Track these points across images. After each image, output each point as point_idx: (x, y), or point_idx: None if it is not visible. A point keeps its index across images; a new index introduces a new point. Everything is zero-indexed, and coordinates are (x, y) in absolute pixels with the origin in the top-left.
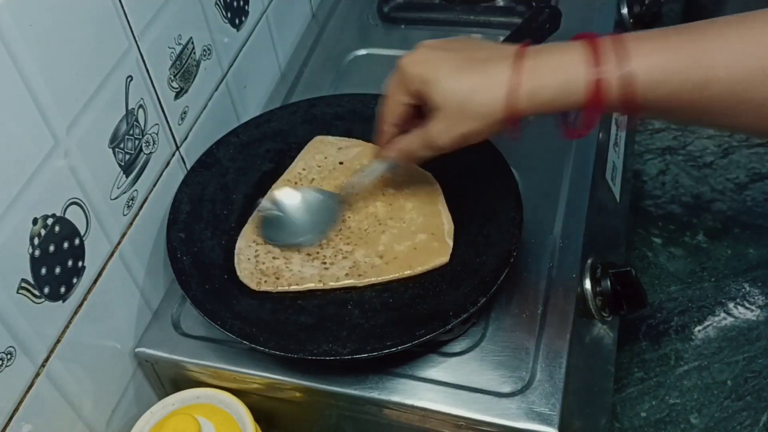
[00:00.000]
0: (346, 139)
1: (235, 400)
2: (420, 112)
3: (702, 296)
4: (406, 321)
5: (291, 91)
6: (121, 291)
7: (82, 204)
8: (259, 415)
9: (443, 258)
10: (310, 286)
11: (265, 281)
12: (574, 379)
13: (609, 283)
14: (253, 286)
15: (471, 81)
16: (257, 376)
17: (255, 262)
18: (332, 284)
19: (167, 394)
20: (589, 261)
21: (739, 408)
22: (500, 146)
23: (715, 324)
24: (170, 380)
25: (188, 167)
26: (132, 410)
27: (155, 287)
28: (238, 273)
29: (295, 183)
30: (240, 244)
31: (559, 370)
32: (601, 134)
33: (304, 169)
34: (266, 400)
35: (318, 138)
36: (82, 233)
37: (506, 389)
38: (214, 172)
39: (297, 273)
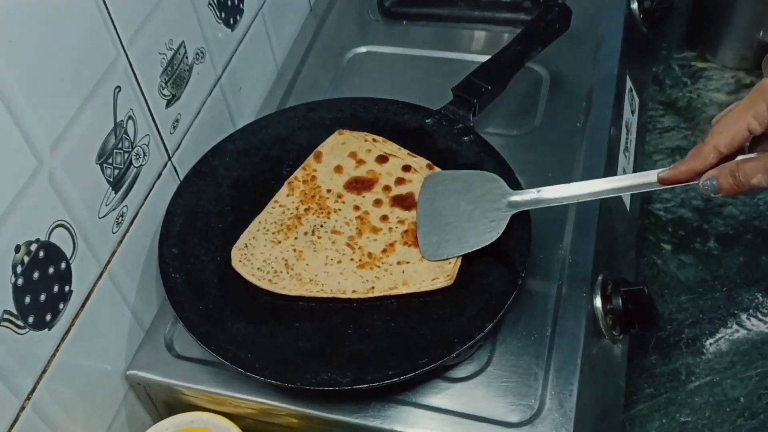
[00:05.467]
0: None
1: (231, 425)
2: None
3: (713, 307)
4: (408, 347)
5: (288, 91)
6: (111, 312)
7: (69, 226)
8: None
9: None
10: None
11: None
12: (584, 405)
13: (620, 301)
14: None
15: None
16: (254, 402)
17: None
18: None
19: (161, 416)
20: (599, 278)
21: (753, 427)
22: (506, 154)
23: (727, 337)
24: (164, 403)
25: (181, 177)
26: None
27: (147, 304)
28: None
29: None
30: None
31: (570, 398)
32: (611, 137)
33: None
34: (263, 424)
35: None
36: (68, 256)
37: (514, 418)
38: (209, 182)
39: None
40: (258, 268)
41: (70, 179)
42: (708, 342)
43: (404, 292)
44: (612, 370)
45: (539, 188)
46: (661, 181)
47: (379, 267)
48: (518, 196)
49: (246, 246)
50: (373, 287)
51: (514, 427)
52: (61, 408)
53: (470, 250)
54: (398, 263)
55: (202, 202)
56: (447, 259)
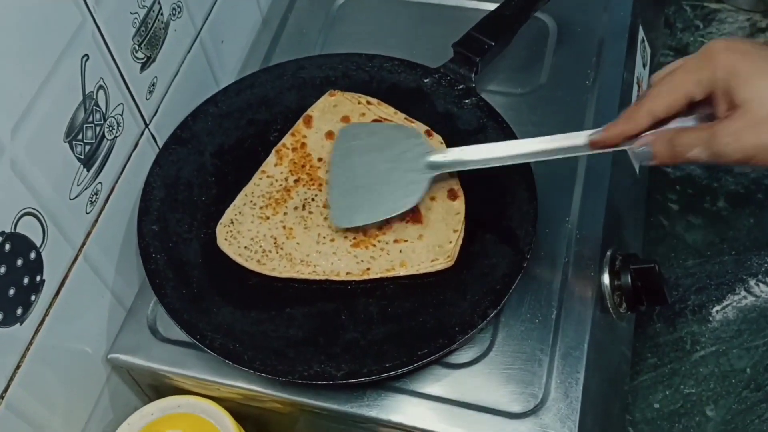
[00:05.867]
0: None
1: (220, 411)
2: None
3: (721, 272)
4: (406, 336)
5: (274, 43)
6: (89, 296)
7: (37, 213)
8: (246, 419)
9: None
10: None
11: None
12: (591, 392)
13: (629, 278)
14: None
15: None
16: (242, 389)
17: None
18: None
19: (147, 396)
20: (608, 253)
21: (758, 399)
22: (509, 115)
23: (734, 304)
24: (148, 386)
25: (160, 146)
26: (108, 416)
27: (128, 282)
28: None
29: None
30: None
31: (576, 387)
32: (622, 96)
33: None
34: (253, 408)
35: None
36: (38, 245)
37: (516, 408)
38: (191, 149)
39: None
40: (245, 247)
41: (36, 163)
42: (714, 309)
43: (402, 273)
44: (618, 341)
45: (463, 147)
46: (592, 144)
47: (374, 246)
48: (439, 156)
49: (232, 222)
50: (368, 269)
51: (516, 418)
52: (38, 401)
53: (385, 217)
54: (395, 242)
55: (183, 172)
56: (361, 226)
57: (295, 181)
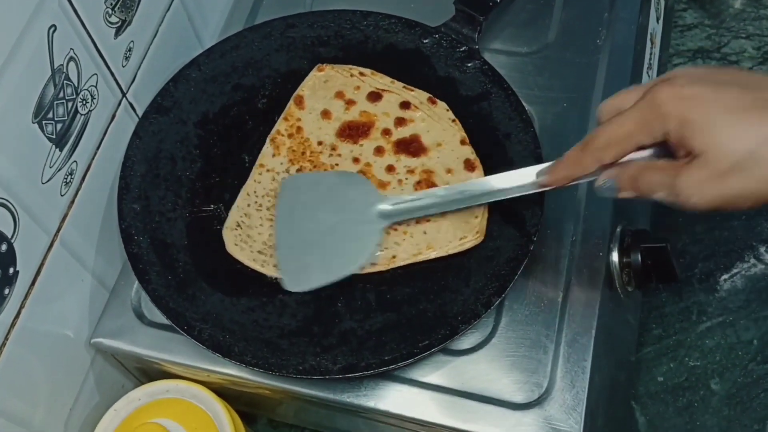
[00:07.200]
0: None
1: (211, 396)
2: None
3: (730, 238)
4: (405, 326)
5: None
6: (68, 281)
7: (6, 203)
8: (237, 400)
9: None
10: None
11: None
12: (598, 379)
13: (639, 257)
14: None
15: (759, 130)
16: (233, 377)
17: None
18: None
19: (134, 377)
20: (618, 229)
21: (765, 372)
22: (513, 77)
23: (743, 272)
24: (135, 369)
25: (140, 115)
26: (94, 399)
27: (110, 262)
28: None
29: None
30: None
31: (583, 376)
32: (635, 55)
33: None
34: (244, 393)
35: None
36: (9, 236)
37: (520, 398)
38: (173, 118)
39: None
40: (258, 252)
41: (2, 150)
42: (722, 278)
43: (432, 257)
44: (626, 313)
45: (412, 194)
46: (540, 185)
47: (396, 230)
48: (389, 204)
49: (239, 225)
50: (394, 256)
51: (520, 408)
52: (17, 398)
53: (340, 276)
54: (417, 222)
55: (165, 144)
56: (314, 288)
57: (298, 170)
